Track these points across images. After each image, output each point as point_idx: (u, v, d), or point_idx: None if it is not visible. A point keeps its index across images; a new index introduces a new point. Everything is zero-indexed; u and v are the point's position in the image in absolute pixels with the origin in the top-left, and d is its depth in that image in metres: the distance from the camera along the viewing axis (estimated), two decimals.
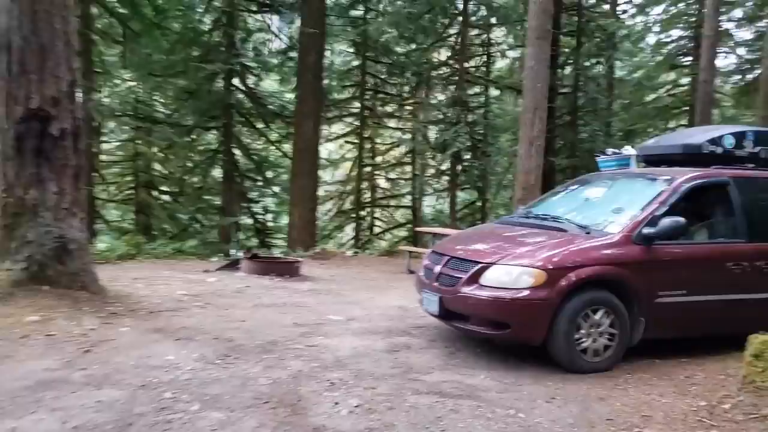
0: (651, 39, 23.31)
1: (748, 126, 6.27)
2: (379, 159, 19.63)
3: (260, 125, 16.73)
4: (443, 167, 14.28)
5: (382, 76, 17.05)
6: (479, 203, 17.71)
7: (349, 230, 21.46)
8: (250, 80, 16.25)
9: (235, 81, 15.43)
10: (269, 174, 17.81)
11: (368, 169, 18.94)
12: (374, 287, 7.92)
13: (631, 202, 4.98)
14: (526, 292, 4.35)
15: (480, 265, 4.61)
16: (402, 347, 4.96)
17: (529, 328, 4.42)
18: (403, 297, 7.26)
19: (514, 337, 4.51)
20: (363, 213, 17.70)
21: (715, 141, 5.46)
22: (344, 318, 5.92)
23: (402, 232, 19.93)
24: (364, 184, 17.73)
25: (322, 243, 16.38)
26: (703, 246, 4.88)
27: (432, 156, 13.95)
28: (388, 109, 18.41)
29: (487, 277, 4.54)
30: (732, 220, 5.02)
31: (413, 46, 15.80)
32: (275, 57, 16.53)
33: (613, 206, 5.08)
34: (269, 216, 19.15)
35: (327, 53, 16.08)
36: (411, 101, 17.33)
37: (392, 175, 20.11)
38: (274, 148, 18.40)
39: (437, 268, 5.00)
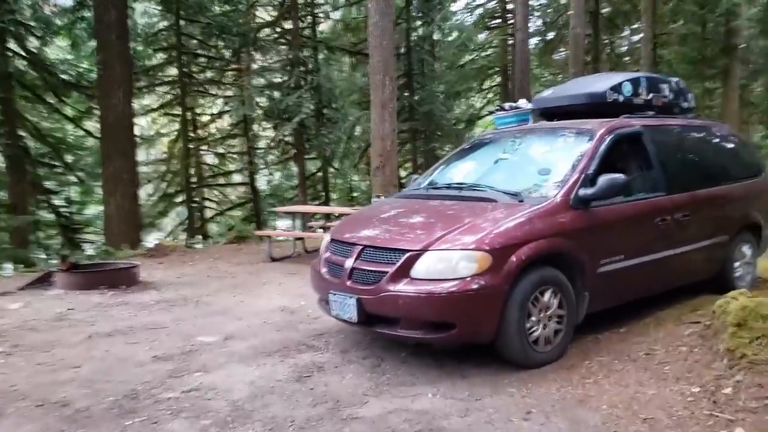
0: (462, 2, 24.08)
1: (637, 73, 6.04)
2: (202, 132, 17.52)
3: (51, 99, 13.74)
4: (283, 137, 12.90)
5: (200, 37, 14.93)
6: (320, 174, 16.68)
7: (174, 216, 19.12)
8: (32, 44, 13.16)
9: (11, 45, 12.34)
10: (68, 158, 14.88)
11: (192, 144, 16.76)
12: (239, 286, 6.55)
13: (555, 161, 4.34)
14: (470, 281, 3.47)
15: (408, 254, 3.63)
16: (312, 369, 3.83)
17: (477, 324, 3.57)
18: (280, 294, 6.05)
19: (460, 338, 3.63)
20: (193, 195, 15.62)
21: (616, 89, 5.05)
22: (220, 337, 4.57)
23: (236, 213, 18.20)
24: (192, 162, 15.62)
25: (146, 235, 14.15)
26: (633, 204, 4.41)
27: (273, 125, 12.49)
28: (209, 75, 16.34)
29: (420, 268, 3.58)
30: (651, 173, 4.64)
31: (228, 7, 13.98)
32: (62, 17, 13.55)
33: (533, 168, 4.41)
34: (75, 208, 16.20)
35: (129, 12, 13.56)
36: (236, 66, 15.50)
37: (220, 150, 18.14)
38: (72, 126, 15.40)
39: (348, 263, 3.91)
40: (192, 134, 16.32)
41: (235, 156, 18.01)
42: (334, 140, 12.22)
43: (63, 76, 13.40)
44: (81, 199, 17.79)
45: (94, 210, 19.93)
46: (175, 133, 17.95)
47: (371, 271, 3.76)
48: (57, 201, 14.21)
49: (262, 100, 14.17)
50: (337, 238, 4.26)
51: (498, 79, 26.53)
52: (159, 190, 17.01)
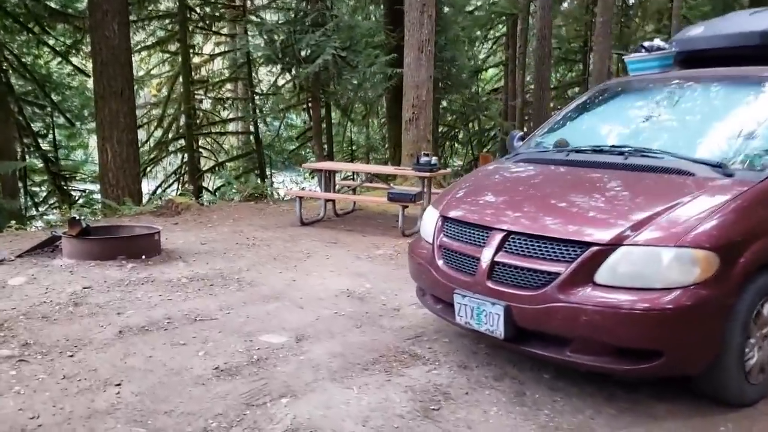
0: None
1: None
2: (198, 74, 15.99)
3: (36, 30, 12.15)
4: (298, 81, 11.50)
5: None
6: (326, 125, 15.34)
7: (167, 166, 17.74)
8: None
9: None
10: (54, 98, 13.40)
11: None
12: (280, 258, 5.50)
13: (745, 119, 3.28)
14: (690, 292, 2.47)
15: (592, 249, 2.60)
16: (437, 396, 2.85)
17: (692, 352, 2.58)
18: (334, 272, 5.03)
19: (667, 370, 2.61)
20: (188, 143, 14.25)
21: None
22: (288, 337, 3.56)
23: (236, 165, 16.88)
24: (194, 106, 14.20)
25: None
26: None
27: (286, 68, 11.09)
28: (208, 10, 14.71)
29: (609, 270, 2.57)
30: None
31: None
32: None
33: (718, 127, 3.36)
34: (61, 153, 14.82)
35: None
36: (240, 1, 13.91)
37: (216, 94, 16.65)
38: (57, 62, 13.84)
39: (486, 254, 2.88)
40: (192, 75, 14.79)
41: (232, 102, 16.56)
42: (355, 87, 10.94)
43: (48, 3, 11.79)
44: (68, 143, 16.37)
45: (77, 155, 18.54)
46: (168, 74, 16.43)
47: (528, 269, 2.74)
48: (44, 146, 12.81)
49: (266, 39, 12.67)
50: (457, 218, 3.20)
51: (503, 29, 25.00)
52: (152, 137, 15.60)
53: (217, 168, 15.80)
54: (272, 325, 3.74)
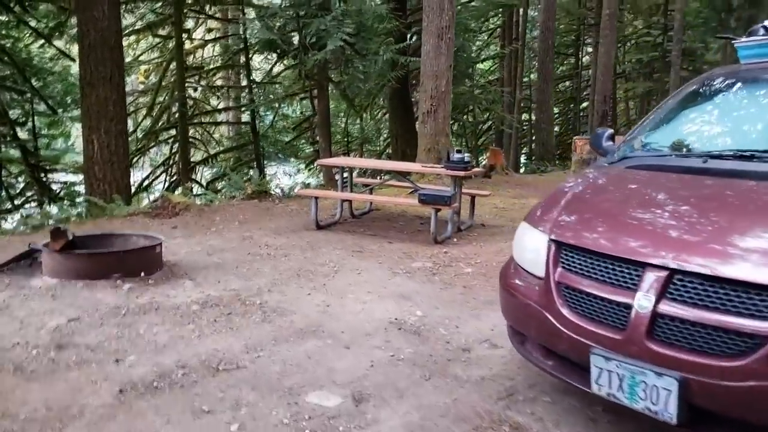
0: None
1: None
2: (192, 61, 14.90)
3: (17, 10, 11.00)
4: (304, 69, 10.50)
5: None
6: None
7: (153, 156, 16.63)
8: None
9: None
10: (35, 83, 12.26)
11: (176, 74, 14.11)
12: (303, 274, 4.60)
13: None
14: None
15: None
16: None
17: None
18: (372, 292, 4.17)
19: None
20: (181, 133, 13.19)
21: None
22: (343, 397, 2.67)
23: (224, 156, 15.80)
24: (186, 93, 13.12)
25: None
26: None
27: (291, 55, 10.11)
28: None
29: None
30: None
31: None
32: None
33: None
34: (41, 143, 13.67)
35: None
36: None
37: (207, 82, 15.55)
38: (38, 45, 12.67)
39: (644, 301, 2.03)
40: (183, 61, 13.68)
41: (227, 90, 15.50)
42: (364, 76, 10.01)
43: None
44: (48, 131, 15.19)
45: (62, 146, 17.32)
46: (159, 59, 15.31)
47: (717, 328, 1.89)
48: (22, 134, 11.70)
49: (268, 24, 11.66)
50: (583, 246, 2.34)
51: (498, 21, 24.11)
52: (140, 126, 14.51)
53: (210, 160, 14.77)
54: (318, 376, 2.86)
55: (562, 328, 2.28)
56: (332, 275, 4.60)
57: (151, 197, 13.20)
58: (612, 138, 3.43)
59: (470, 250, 5.36)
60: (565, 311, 2.28)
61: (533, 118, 21.09)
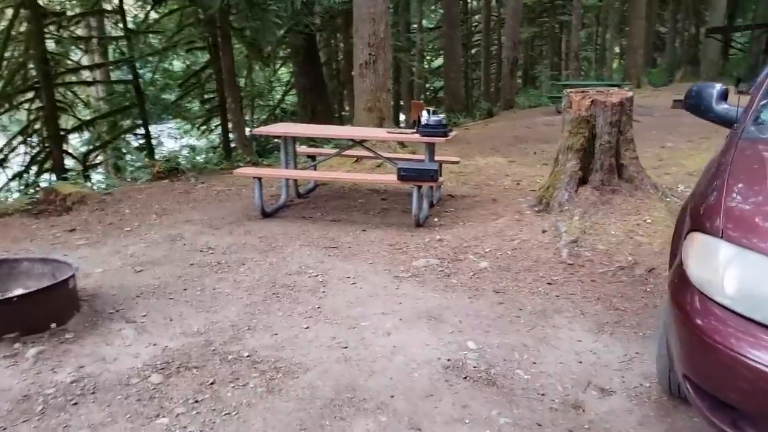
0: None
1: None
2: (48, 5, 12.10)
3: None
4: (202, 15, 8.59)
5: None
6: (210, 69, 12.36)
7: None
8: None
9: None
10: None
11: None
12: (286, 293, 3.37)
13: None
14: None
15: None
16: None
17: None
18: (396, 315, 3.05)
19: None
20: (47, 97, 10.69)
21: None
22: None
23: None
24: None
25: None
26: None
27: None
28: None
29: None
30: None
31: None
32: None
33: None
34: None
35: None
36: None
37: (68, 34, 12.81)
38: None
39: None
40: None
41: (98, 42, 12.91)
42: (278, 23, 8.43)
43: None
44: None
45: None
46: (2, 4, 12.29)
47: None
48: None
49: None
50: None
51: None
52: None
53: (82, 128, 12.32)
54: None
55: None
56: (321, 290, 3.43)
57: (17, 183, 10.76)
58: (725, 97, 2.57)
59: (464, 234, 4.39)
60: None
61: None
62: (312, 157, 6.04)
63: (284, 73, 19.68)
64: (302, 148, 6.02)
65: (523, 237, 4.13)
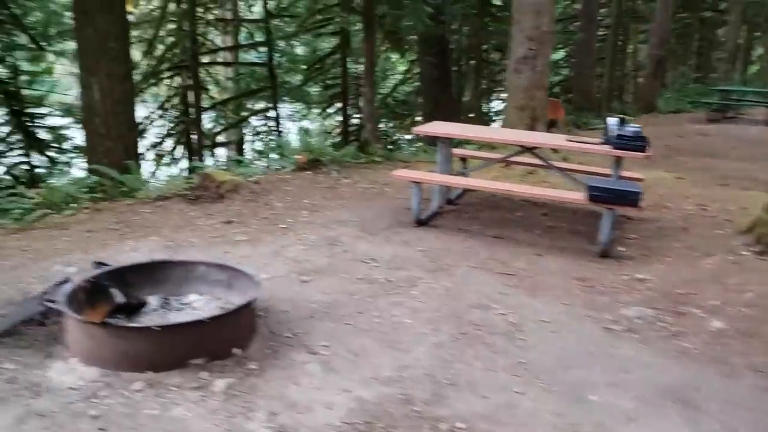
0: None
1: None
2: None
3: None
4: None
5: None
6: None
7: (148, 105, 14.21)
8: None
9: None
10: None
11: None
12: (476, 333, 2.86)
13: None
14: None
15: None
16: None
17: None
18: (625, 387, 2.39)
19: None
20: (193, 76, 10.93)
21: None
22: None
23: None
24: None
25: None
26: None
27: None
28: None
29: None
30: None
31: None
32: None
33: None
34: (21, 82, 11.30)
35: None
36: None
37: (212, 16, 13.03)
38: None
39: None
40: None
41: (238, 24, 13.06)
42: (422, 12, 7.86)
43: None
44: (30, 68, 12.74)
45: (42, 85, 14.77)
46: None
47: None
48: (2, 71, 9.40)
49: None
50: None
51: None
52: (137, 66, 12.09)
53: (215, 108, 12.50)
54: None
55: None
56: (517, 337, 2.87)
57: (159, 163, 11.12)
58: None
59: (669, 275, 3.64)
60: None
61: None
62: (464, 160, 5.49)
63: (399, 61, 19.09)
64: (456, 151, 5.44)
65: (755, 289, 3.35)
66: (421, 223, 4.57)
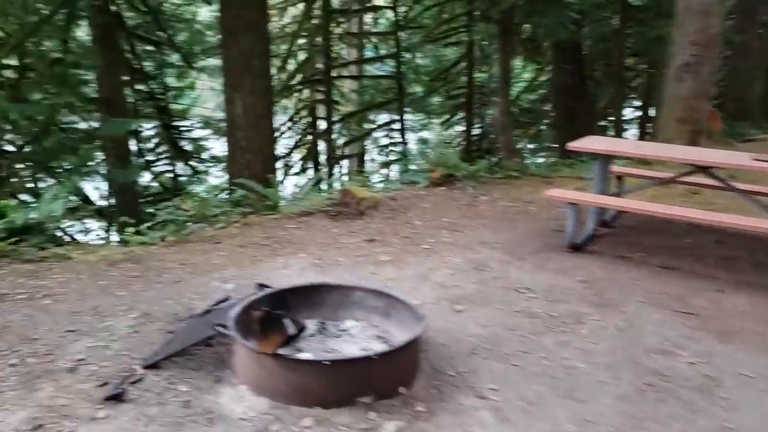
0: None
1: None
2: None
3: None
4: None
5: None
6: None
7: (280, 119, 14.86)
8: None
9: None
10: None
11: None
12: (672, 400, 2.48)
13: None
14: None
15: None
16: None
17: None
18: None
19: None
20: (326, 90, 11.25)
21: None
22: None
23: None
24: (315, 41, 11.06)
25: None
26: None
27: None
28: None
29: None
30: None
31: None
32: None
33: None
34: (170, 98, 12.28)
35: None
36: None
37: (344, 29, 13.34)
38: None
39: None
40: None
41: (369, 37, 13.26)
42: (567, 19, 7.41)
43: None
44: (178, 84, 13.84)
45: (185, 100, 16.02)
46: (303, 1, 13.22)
47: None
48: (157, 91, 10.24)
49: None
50: None
51: None
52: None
53: (346, 120, 12.76)
54: None
55: None
56: (717, 394, 2.44)
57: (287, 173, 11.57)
58: None
59: None
60: None
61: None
62: (619, 178, 5.00)
63: (524, 69, 18.42)
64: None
65: None
66: (576, 248, 4.18)
